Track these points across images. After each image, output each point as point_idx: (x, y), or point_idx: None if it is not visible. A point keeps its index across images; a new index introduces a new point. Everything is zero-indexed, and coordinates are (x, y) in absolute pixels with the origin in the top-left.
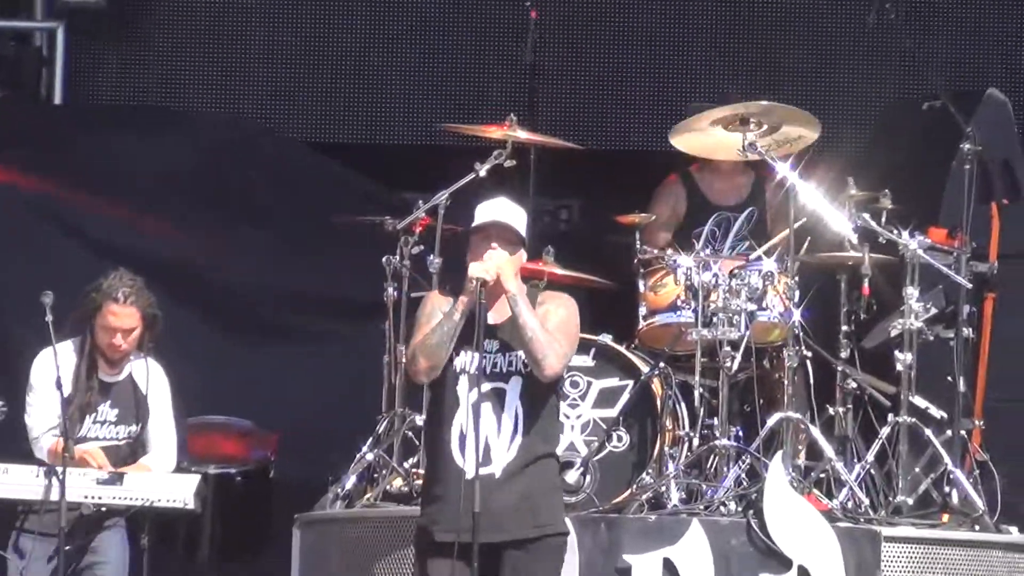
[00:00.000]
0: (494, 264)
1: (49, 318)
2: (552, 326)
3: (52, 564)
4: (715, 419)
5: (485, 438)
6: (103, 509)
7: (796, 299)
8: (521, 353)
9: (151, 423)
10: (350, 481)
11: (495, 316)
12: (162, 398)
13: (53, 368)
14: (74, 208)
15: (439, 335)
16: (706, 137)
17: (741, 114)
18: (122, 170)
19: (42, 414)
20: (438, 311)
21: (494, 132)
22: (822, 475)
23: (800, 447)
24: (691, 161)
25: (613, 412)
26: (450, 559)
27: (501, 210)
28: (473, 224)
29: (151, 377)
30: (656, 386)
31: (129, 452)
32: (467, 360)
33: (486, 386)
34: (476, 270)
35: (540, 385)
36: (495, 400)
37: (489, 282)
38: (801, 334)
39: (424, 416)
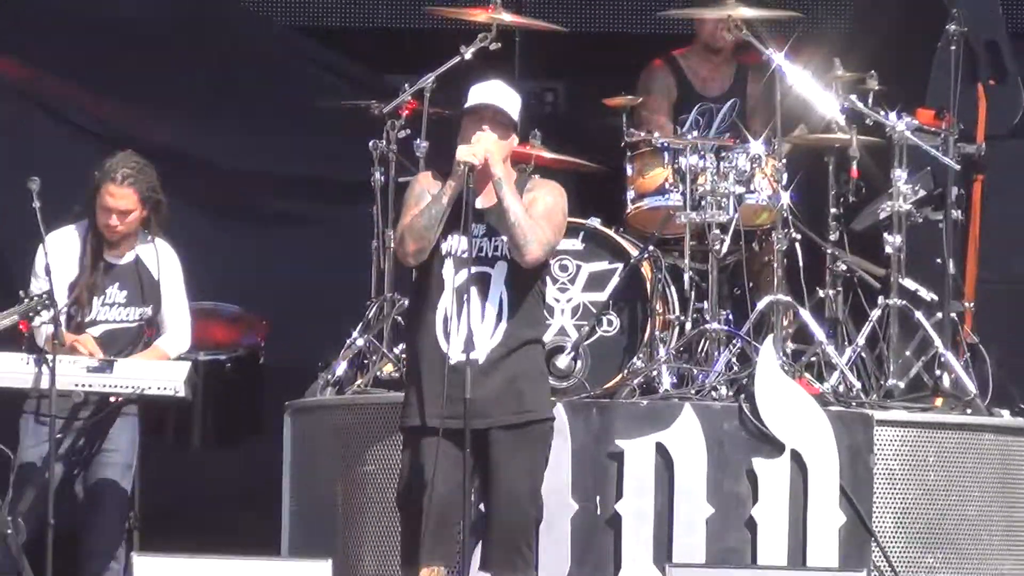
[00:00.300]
0: (482, 147)
1: (36, 204)
2: (537, 213)
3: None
4: (705, 303)
5: (468, 323)
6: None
7: (784, 182)
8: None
9: (164, 305)
10: (340, 367)
11: (483, 200)
12: (174, 280)
13: (47, 254)
14: (56, 95)
15: (427, 218)
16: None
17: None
18: (102, 56)
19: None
20: (427, 193)
21: (479, 15)
22: (813, 359)
23: (790, 330)
24: (676, 44)
25: (603, 296)
26: (435, 442)
27: (494, 93)
28: (465, 105)
29: (161, 259)
30: (646, 269)
31: (139, 333)
32: (454, 244)
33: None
34: (464, 153)
35: (525, 271)
36: (479, 285)
37: (477, 166)
38: (790, 217)
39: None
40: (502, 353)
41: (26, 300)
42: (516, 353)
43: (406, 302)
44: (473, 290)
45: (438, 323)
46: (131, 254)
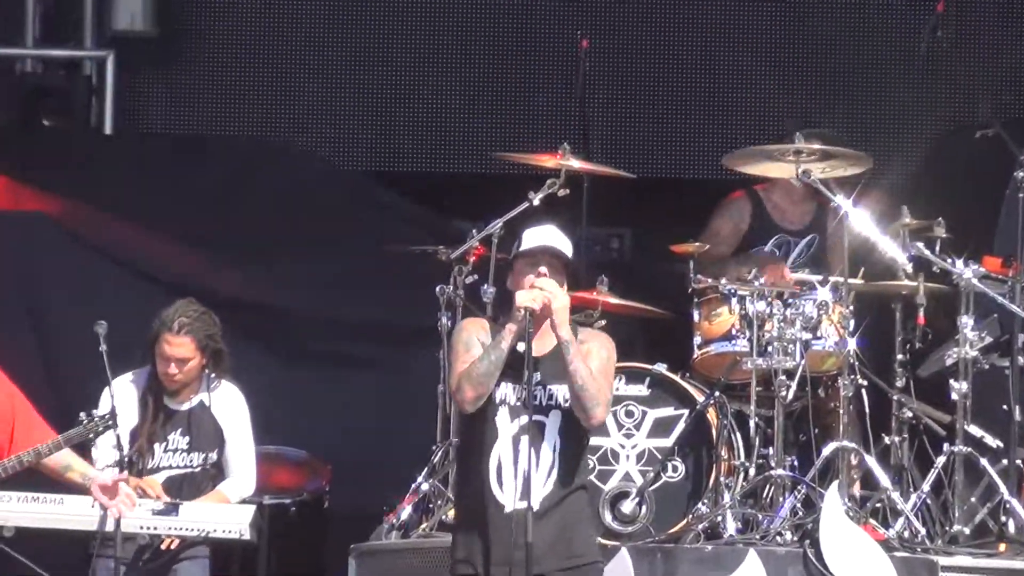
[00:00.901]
0: (542, 293)
1: (103, 347)
2: (595, 369)
3: None
4: (770, 448)
5: (524, 471)
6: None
7: (851, 328)
8: (561, 388)
9: (228, 448)
10: (405, 511)
11: (541, 347)
12: (238, 424)
13: (112, 397)
14: (123, 242)
15: (486, 364)
16: (758, 164)
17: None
18: (172, 202)
19: (106, 448)
20: (475, 339)
21: (547, 161)
22: (878, 505)
23: (856, 476)
24: (755, 182)
25: (668, 442)
26: None
27: (549, 236)
28: (519, 248)
29: (225, 403)
30: (711, 415)
31: (205, 478)
32: (508, 392)
33: (524, 418)
34: (524, 299)
35: (578, 421)
36: (535, 433)
37: (537, 311)
38: (856, 363)
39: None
40: (554, 501)
41: (87, 421)
42: (567, 500)
43: None
44: (525, 439)
45: (491, 471)
46: (194, 399)
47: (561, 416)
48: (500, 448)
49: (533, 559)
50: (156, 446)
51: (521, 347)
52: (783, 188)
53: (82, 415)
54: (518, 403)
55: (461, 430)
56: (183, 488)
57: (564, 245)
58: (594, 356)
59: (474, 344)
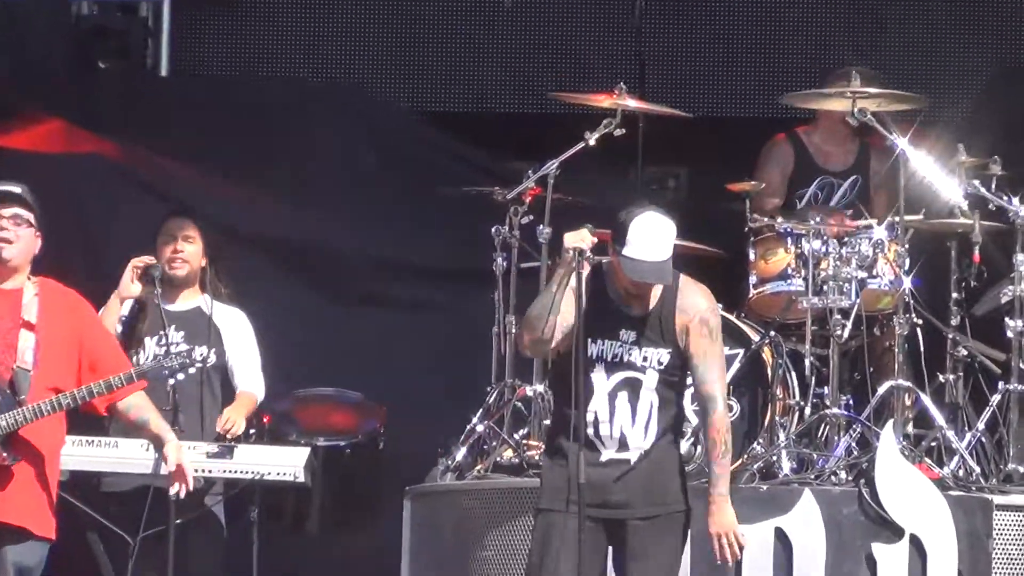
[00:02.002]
0: (589, 234)
1: (158, 291)
2: (716, 362)
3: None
4: (825, 388)
5: (620, 427)
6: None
7: (906, 266)
8: (658, 352)
9: (233, 355)
10: (460, 453)
11: (637, 308)
12: (242, 333)
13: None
14: (178, 182)
15: (538, 307)
16: (814, 101)
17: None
18: (224, 142)
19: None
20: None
21: (603, 100)
22: (933, 443)
23: (910, 415)
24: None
25: None
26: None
27: (660, 251)
28: (623, 252)
29: (227, 315)
30: (766, 355)
31: (205, 380)
32: (604, 349)
33: (621, 375)
34: (573, 240)
35: (676, 379)
36: (630, 390)
37: (587, 250)
38: (911, 302)
39: (550, 393)
40: (651, 453)
41: (162, 356)
42: (662, 451)
43: (527, 388)
44: (625, 394)
45: (588, 425)
46: (192, 303)
47: (658, 377)
48: (596, 404)
49: (621, 505)
50: (148, 339)
51: (619, 303)
52: (825, 129)
53: (157, 351)
54: (615, 359)
55: (558, 383)
56: (187, 392)
57: (670, 249)
58: (713, 333)
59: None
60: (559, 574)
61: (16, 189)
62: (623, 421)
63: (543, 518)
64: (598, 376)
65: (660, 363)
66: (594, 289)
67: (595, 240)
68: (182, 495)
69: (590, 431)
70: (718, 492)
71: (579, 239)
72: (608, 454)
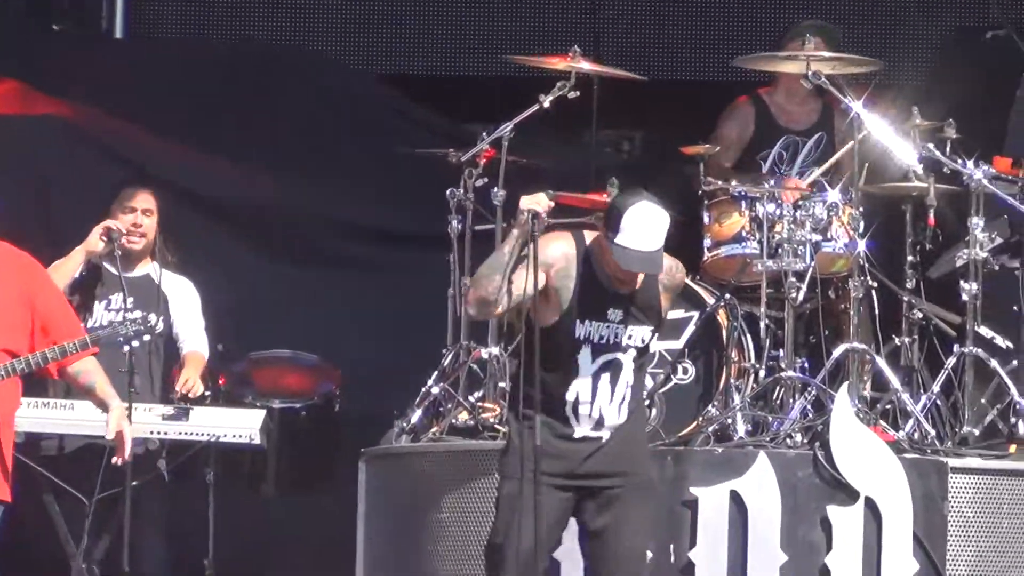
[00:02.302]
0: (545, 197)
1: (118, 252)
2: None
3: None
4: (781, 350)
5: (600, 408)
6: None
7: (861, 230)
8: (641, 330)
9: (178, 319)
10: (416, 415)
11: (626, 287)
12: (189, 300)
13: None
14: (133, 145)
15: (486, 267)
16: (769, 64)
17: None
18: (180, 105)
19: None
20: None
21: (557, 63)
22: (888, 406)
23: (866, 378)
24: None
25: (679, 344)
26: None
27: (649, 243)
28: (615, 241)
29: (175, 282)
30: (721, 317)
31: (153, 345)
32: (591, 330)
33: (605, 357)
34: (528, 202)
35: (647, 355)
36: (612, 370)
37: (542, 214)
38: (866, 265)
39: (505, 356)
40: (623, 428)
41: (118, 324)
42: (632, 425)
43: (483, 350)
44: (608, 375)
45: (568, 403)
46: (142, 270)
47: (636, 353)
48: (579, 385)
49: (592, 476)
50: (96, 304)
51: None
52: (786, 89)
53: (109, 316)
54: (601, 341)
55: (545, 360)
56: (137, 353)
57: (658, 243)
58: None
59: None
60: (522, 542)
61: None
62: (603, 402)
63: (508, 485)
64: (583, 358)
65: (643, 340)
66: (583, 271)
67: (551, 205)
68: (119, 463)
69: (568, 410)
70: None
71: (534, 202)
72: (582, 432)
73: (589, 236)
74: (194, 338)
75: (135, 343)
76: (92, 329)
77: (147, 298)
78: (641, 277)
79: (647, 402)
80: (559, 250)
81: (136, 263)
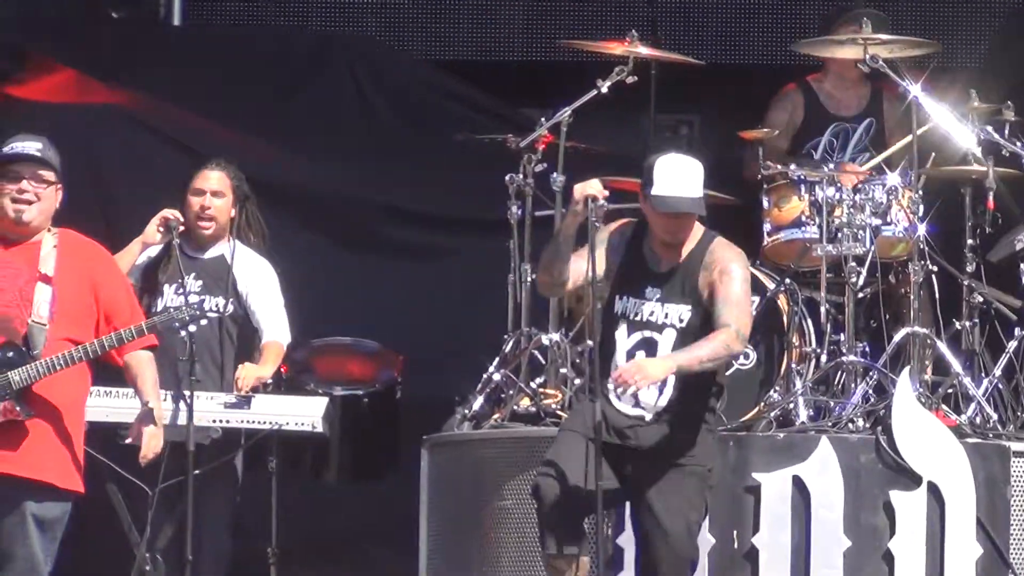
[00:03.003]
0: (599, 184)
1: (176, 241)
2: (735, 296)
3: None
4: (842, 335)
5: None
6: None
7: (920, 213)
8: (679, 308)
9: (255, 303)
10: (477, 402)
11: (665, 263)
12: (265, 281)
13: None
14: (191, 132)
15: (548, 253)
16: (826, 49)
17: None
18: (236, 92)
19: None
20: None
21: (615, 48)
22: (950, 390)
23: (927, 362)
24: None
25: None
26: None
27: (683, 186)
28: (652, 193)
29: (250, 263)
30: (782, 302)
31: (224, 330)
32: (628, 306)
33: (641, 334)
34: (582, 189)
35: (695, 337)
36: (647, 349)
37: (599, 198)
38: (926, 248)
39: (566, 341)
40: (668, 412)
41: (172, 310)
42: (682, 410)
43: (544, 336)
44: (640, 354)
45: (609, 380)
46: (215, 250)
47: (677, 334)
48: (617, 361)
49: (641, 456)
50: (167, 287)
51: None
52: (835, 75)
53: (168, 304)
54: (637, 318)
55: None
56: (205, 340)
57: (699, 186)
58: (734, 280)
59: (599, 249)
60: (570, 460)
61: (35, 148)
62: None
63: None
64: (620, 333)
65: (681, 320)
66: (630, 247)
67: (606, 191)
68: (142, 463)
69: (609, 384)
70: (686, 358)
71: (589, 186)
72: (624, 408)
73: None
74: (272, 325)
75: (192, 328)
76: (154, 314)
77: (217, 281)
78: (684, 253)
79: (712, 389)
80: (613, 229)
81: (210, 244)
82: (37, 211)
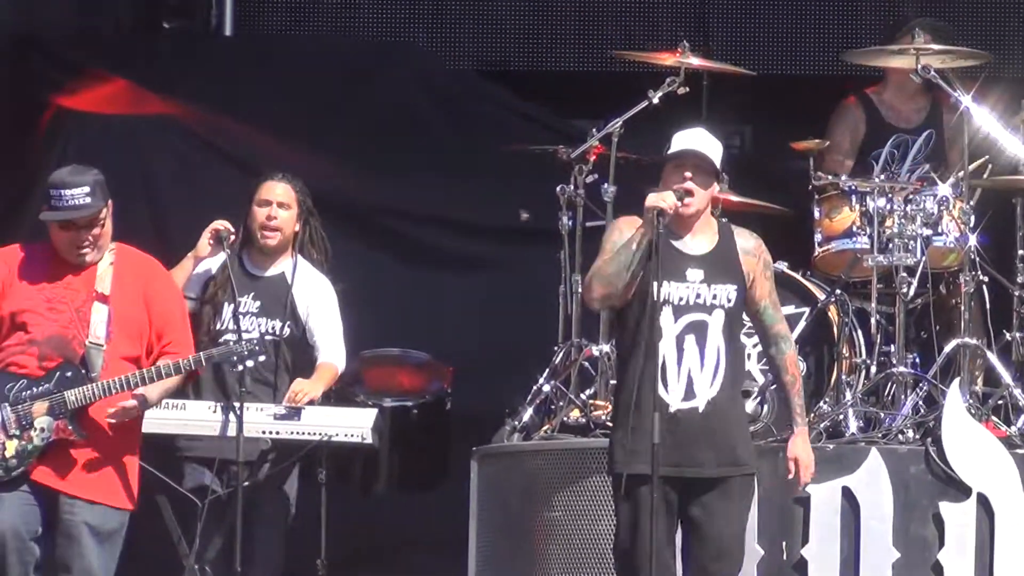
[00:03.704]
0: (672, 195)
1: (227, 252)
2: (777, 302)
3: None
4: (892, 346)
5: (688, 371)
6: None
7: (972, 224)
8: (725, 288)
9: (314, 323)
10: (527, 413)
11: (700, 246)
12: (324, 302)
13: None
14: (244, 143)
15: (616, 264)
16: (878, 58)
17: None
18: (287, 103)
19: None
20: (625, 238)
21: (667, 59)
22: (1000, 401)
23: (978, 373)
24: (867, 84)
25: None
26: (646, 487)
27: (698, 140)
28: (668, 151)
29: (309, 281)
30: (832, 313)
31: (279, 355)
32: (670, 291)
33: (688, 318)
34: (654, 199)
35: (739, 320)
36: (698, 332)
37: (668, 211)
38: (977, 259)
39: (614, 345)
40: (721, 401)
41: (233, 343)
42: (731, 402)
43: (594, 348)
44: (693, 337)
45: (657, 371)
46: (275, 269)
47: (724, 316)
48: (665, 348)
49: (691, 461)
50: (226, 306)
51: (681, 245)
52: (895, 86)
53: (229, 336)
54: (681, 302)
55: (621, 332)
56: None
57: (712, 148)
58: (772, 278)
59: (621, 243)
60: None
61: (83, 194)
62: (691, 364)
63: (620, 484)
64: (666, 319)
65: (729, 300)
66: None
67: (677, 204)
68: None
69: (658, 378)
70: (804, 421)
71: (660, 199)
72: (675, 402)
73: None
74: (329, 347)
75: (249, 363)
76: (217, 333)
77: (275, 301)
78: (713, 238)
79: (758, 399)
80: (627, 224)
81: (272, 260)
82: (96, 250)
